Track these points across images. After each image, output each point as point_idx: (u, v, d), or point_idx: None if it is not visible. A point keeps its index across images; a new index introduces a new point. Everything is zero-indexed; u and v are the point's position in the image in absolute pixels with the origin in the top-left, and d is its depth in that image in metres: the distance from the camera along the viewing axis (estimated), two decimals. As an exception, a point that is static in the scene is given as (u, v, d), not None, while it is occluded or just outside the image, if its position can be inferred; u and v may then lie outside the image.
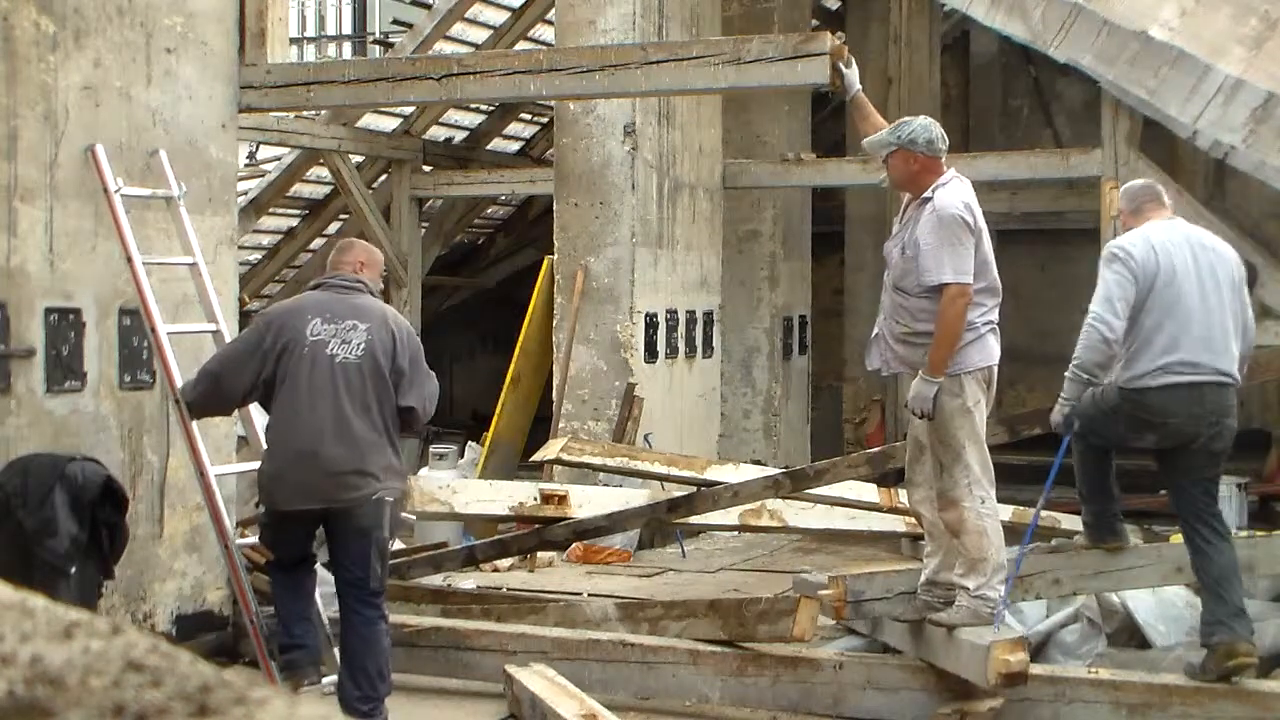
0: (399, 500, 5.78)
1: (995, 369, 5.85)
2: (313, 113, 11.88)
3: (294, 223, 14.42)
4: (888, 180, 6.04)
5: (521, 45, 13.15)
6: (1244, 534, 7.91)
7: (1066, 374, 5.86)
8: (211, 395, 5.83)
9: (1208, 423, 5.75)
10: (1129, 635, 6.62)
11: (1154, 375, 5.70)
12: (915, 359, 5.78)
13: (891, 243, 5.90)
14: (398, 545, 9.33)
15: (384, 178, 14.00)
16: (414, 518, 5.90)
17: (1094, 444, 6.06)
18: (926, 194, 5.75)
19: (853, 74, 6.34)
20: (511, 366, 11.16)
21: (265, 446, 5.77)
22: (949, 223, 5.64)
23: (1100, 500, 6.28)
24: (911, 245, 5.71)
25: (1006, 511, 7.28)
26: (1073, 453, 6.16)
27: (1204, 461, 5.85)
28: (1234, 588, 5.73)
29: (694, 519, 8.12)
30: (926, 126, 5.82)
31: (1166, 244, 5.79)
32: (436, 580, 8.24)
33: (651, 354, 10.38)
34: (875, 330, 6.02)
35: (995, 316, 5.85)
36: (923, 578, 5.94)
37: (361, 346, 5.55)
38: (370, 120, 13.12)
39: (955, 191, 5.75)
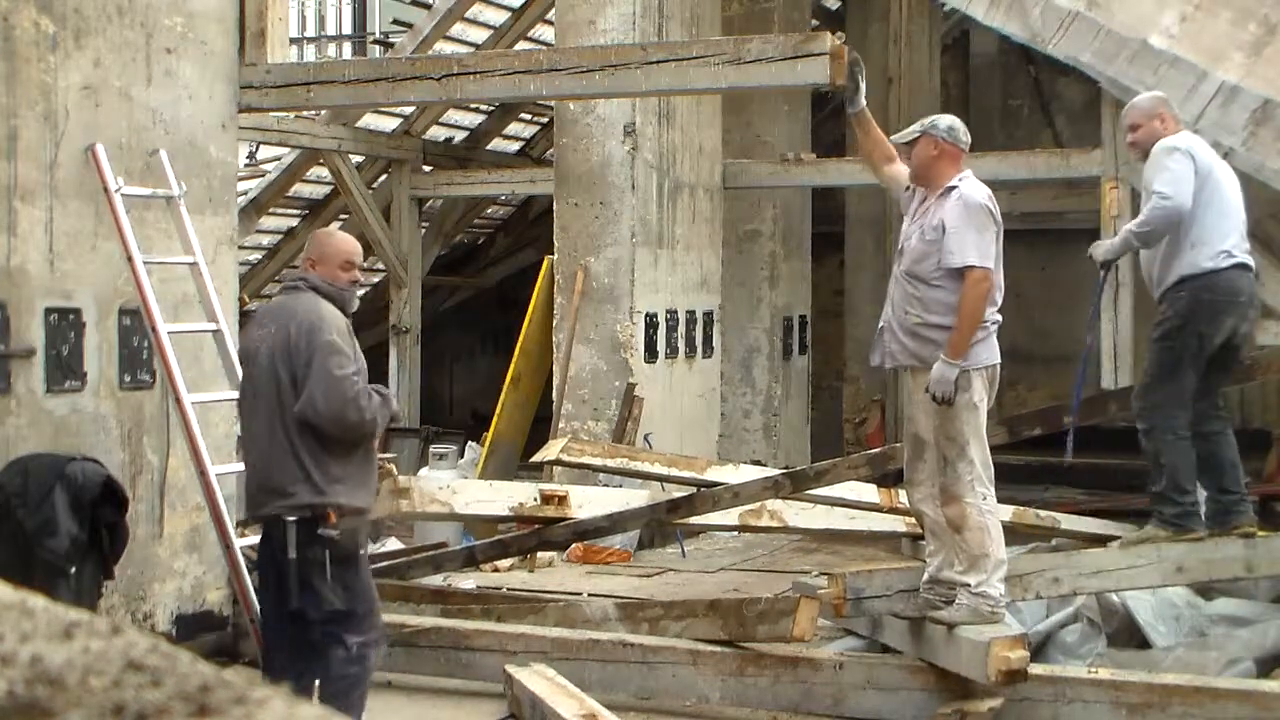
0: (318, 517, 5.08)
1: (999, 368, 5.90)
2: (313, 113, 11.88)
3: (294, 223, 14.42)
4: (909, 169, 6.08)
5: (521, 45, 13.15)
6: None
7: (1126, 229, 6.53)
8: None
9: (1253, 305, 6.53)
10: (1129, 635, 6.62)
11: (1218, 258, 6.35)
12: (925, 353, 5.80)
13: (910, 228, 5.93)
14: (397, 545, 9.35)
15: (384, 178, 14.01)
16: (336, 533, 5.24)
17: (1183, 384, 6.38)
18: (951, 183, 5.83)
19: (862, 85, 6.35)
20: (511, 366, 11.15)
21: None
22: (975, 210, 5.78)
23: (1198, 487, 6.56)
24: (932, 229, 5.79)
25: (1006, 511, 7.29)
26: (1152, 446, 6.42)
27: (1232, 360, 6.54)
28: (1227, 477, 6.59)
29: (694, 519, 8.11)
30: (950, 119, 6.06)
31: (1203, 146, 6.58)
32: (436, 580, 8.24)
33: (651, 354, 10.37)
34: (881, 324, 6.04)
35: (999, 317, 5.89)
36: (925, 576, 5.95)
37: (266, 354, 5.21)
38: (370, 120, 13.12)
39: (979, 185, 5.91)
